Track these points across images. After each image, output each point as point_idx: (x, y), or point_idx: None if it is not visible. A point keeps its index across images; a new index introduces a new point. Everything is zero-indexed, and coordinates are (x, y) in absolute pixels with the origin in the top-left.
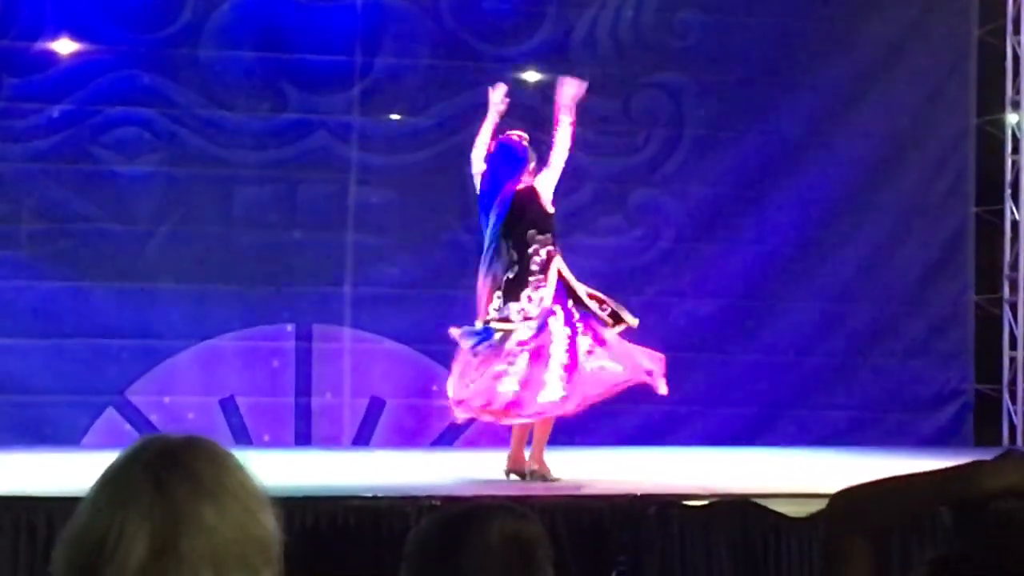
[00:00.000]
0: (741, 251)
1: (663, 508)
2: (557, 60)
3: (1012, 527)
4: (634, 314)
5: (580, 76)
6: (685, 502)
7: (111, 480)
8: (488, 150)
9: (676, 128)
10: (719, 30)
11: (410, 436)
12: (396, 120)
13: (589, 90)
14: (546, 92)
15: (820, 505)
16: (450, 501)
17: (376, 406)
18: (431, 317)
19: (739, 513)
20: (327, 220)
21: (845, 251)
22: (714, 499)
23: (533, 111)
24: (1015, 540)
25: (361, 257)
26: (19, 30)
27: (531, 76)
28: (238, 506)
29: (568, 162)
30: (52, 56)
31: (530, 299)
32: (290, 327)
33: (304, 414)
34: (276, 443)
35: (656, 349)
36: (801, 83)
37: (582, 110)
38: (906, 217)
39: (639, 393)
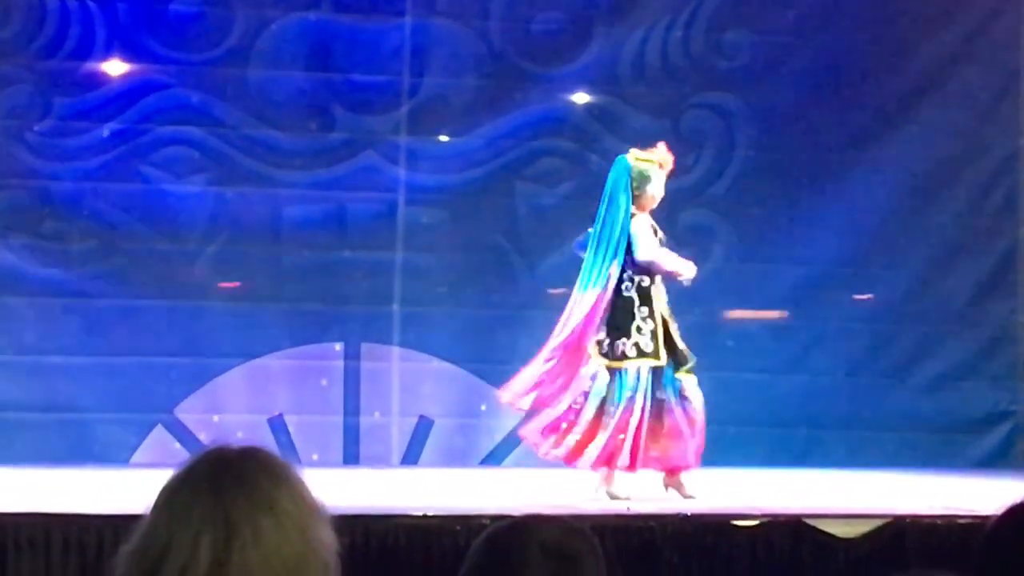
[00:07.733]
0: (789, 271)
1: (713, 528)
2: (605, 80)
3: None
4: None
5: (629, 96)
6: (735, 522)
7: (173, 492)
8: None
9: (726, 149)
10: (768, 50)
11: (459, 456)
12: (444, 140)
13: (637, 110)
14: (592, 111)
15: (871, 526)
16: (499, 519)
17: (424, 426)
18: (479, 336)
19: (790, 533)
20: (376, 239)
21: (894, 271)
22: (765, 519)
23: (580, 131)
24: None
25: (410, 276)
26: (69, 50)
27: (579, 97)
28: (296, 518)
29: None
30: (102, 75)
31: None
32: (339, 346)
33: (353, 433)
34: (324, 462)
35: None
36: (850, 104)
37: (629, 130)
38: (955, 238)
39: None
